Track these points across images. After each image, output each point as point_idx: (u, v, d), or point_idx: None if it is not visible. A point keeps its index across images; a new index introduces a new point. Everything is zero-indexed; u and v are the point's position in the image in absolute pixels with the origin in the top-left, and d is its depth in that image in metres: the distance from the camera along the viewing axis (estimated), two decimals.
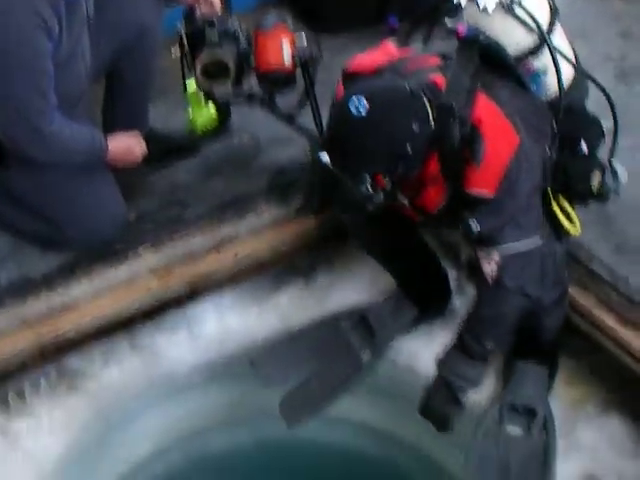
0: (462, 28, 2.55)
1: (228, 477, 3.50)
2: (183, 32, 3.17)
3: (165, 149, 3.33)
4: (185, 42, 3.18)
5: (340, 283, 3.21)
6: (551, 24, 2.66)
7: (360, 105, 2.36)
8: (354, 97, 2.38)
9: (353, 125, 2.40)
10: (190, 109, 3.27)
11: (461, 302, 3.13)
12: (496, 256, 2.62)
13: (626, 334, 2.81)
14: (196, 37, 3.19)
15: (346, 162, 2.46)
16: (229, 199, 3.17)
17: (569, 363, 2.95)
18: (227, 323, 3.09)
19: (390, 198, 2.53)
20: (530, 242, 2.61)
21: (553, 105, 2.68)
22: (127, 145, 3.04)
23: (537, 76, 2.69)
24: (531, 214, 2.63)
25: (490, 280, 2.66)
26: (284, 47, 3.12)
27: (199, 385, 3.15)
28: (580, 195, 2.76)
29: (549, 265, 2.70)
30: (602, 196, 2.80)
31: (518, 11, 2.59)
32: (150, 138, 3.15)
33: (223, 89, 3.11)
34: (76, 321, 2.81)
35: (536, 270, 2.65)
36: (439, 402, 2.81)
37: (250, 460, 3.46)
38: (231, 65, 3.10)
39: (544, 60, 2.65)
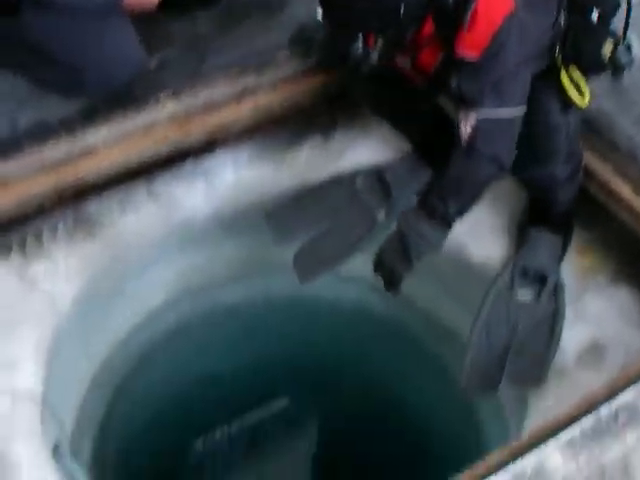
0: None
1: (237, 330, 3.57)
2: None
3: None
4: None
5: (358, 141, 3.17)
6: None
7: None
8: None
9: None
10: None
11: None
12: (473, 118, 2.60)
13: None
14: None
15: (338, 20, 2.51)
16: (250, 51, 3.09)
17: (582, 233, 2.97)
18: (244, 176, 3.07)
19: (385, 58, 2.56)
20: (510, 111, 2.58)
21: None
22: None
23: None
24: (516, 84, 2.60)
25: (464, 142, 2.64)
26: None
27: (213, 236, 3.17)
28: (591, 65, 2.72)
29: (561, 140, 2.72)
30: (615, 67, 2.73)
31: None
32: None
33: None
34: (94, 166, 2.79)
35: (510, 140, 2.62)
36: (391, 257, 2.77)
37: (259, 314, 3.52)
38: None
39: None
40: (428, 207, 2.69)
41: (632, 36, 2.75)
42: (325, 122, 3.20)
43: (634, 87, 2.99)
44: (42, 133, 2.82)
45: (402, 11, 2.41)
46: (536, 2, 2.59)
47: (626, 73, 2.76)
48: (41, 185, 2.78)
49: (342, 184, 3.07)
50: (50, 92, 2.94)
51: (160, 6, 2.97)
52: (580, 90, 2.71)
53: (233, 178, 3.08)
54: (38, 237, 2.85)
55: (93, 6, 2.83)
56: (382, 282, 2.83)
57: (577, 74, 2.70)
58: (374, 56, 2.50)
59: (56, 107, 2.90)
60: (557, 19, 2.63)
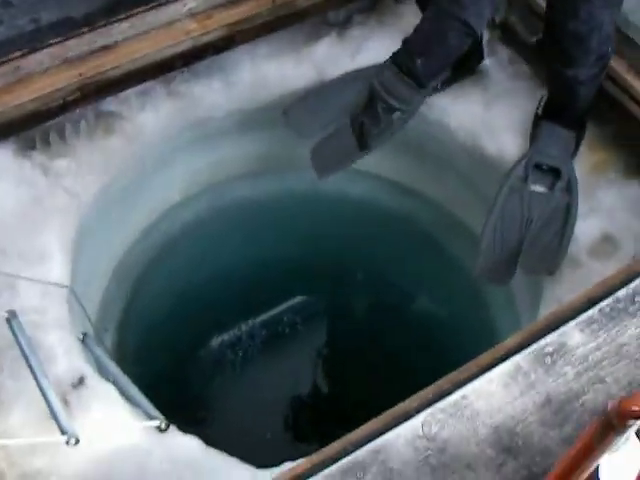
0: None
1: (253, 225, 3.63)
2: None
3: None
4: None
5: (374, 37, 3.18)
6: None
7: None
8: None
9: None
10: None
11: (492, 62, 3.15)
12: None
13: None
14: None
15: None
16: None
17: (594, 129, 2.99)
18: (262, 72, 3.10)
19: None
20: None
21: None
22: None
23: None
24: None
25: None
26: None
27: (231, 132, 3.21)
28: None
29: (595, 40, 2.66)
30: None
31: None
32: None
33: None
34: (116, 61, 2.80)
35: (482, 5, 2.55)
36: (361, 112, 2.83)
37: (275, 209, 3.57)
38: None
39: None
40: (397, 62, 2.70)
41: None
42: (341, 18, 3.21)
43: None
44: (64, 28, 2.85)
45: None
46: None
47: None
48: (63, 80, 2.79)
49: (359, 80, 3.03)
50: None
51: None
52: None
53: (250, 74, 3.10)
54: (61, 132, 2.90)
55: None
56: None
57: None
58: None
59: (78, 2, 2.92)
60: None
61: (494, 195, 2.89)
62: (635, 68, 2.92)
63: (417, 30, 2.65)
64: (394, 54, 2.73)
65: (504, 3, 3.14)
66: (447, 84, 3.07)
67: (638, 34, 2.94)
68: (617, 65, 2.92)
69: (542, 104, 2.97)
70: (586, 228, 2.84)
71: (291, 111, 3.07)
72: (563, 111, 2.92)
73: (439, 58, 2.66)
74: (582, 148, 2.97)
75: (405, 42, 2.72)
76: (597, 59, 2.73)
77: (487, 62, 3.16)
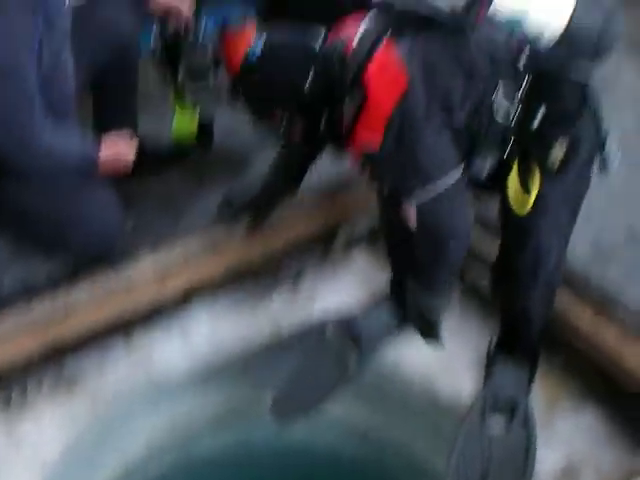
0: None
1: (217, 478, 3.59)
2: (157, 44, 3.44)
3: (156, 155, 3.48)
4: (161, 51, 3.46)
5: (327, 287, 3.33)
6: None
7: (257, 46, 2.55)
8: (259, 40, 2.56)
9: (247, 63, 2.58)
10: (174, 115, 3.58)
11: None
12: (411, 208, 2.55)
13: (599, 329, 2.97)
14: (170, 47, 3.44)
15: (247, 102, 2.65)
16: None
17: (545, 360, 3.04)
18: (219, 327, 3.19)
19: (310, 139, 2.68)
20: (443, 182, 2.50)
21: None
22: (117, 149, 3.10)
23: (514, 21, 2.58)
24: (439, 157, 2.52)
25: (416, 231, 2.59)
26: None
27: (191, 388, 3.25)
28: (540, 163, 2.58)
29: (541, 271, 2.74)
30: (566, 174, 2.61)
31: None
32: (139, 147, 3.22)
33: (206, 90, 3.41)
34: (76, 324, 2.91)
35: (459, 207, 2.57)
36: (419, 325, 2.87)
37: (239, 461, 3.55)
38: (208, 63, 3.39)
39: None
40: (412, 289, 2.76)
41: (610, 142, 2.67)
42: (294, 271, 3.36)
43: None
44: (26, 292, 2.97)
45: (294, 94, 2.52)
46: (440, 66, 2.51)
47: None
48: (25, 344, 2.88)
49: (313, 332, 3.17)
50: (33, 252, 3.09)
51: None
52: (528, 186, 2.59)
53: (208, 329, 3.19)
54: (22, 393, 2.94)
55: (69, 170, 3.01)
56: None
57: (535, 169, 2.59)
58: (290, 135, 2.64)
59: (39, 267, 3.07)
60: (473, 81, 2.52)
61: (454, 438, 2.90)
62: (579, 300, 3.06)
63: (415, 264, 2.69)
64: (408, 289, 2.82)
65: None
66: (401, 328, 3.16)
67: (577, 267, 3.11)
68: (560, 296, 3.04)
69: (493, 341, 3.04)
70: (546, 461, 2.84)
71: (250, 365, 3.15)
72: (515, 343, 2.98)
73: (449, 272, 2.72)
74: (536, 379, 3.01)
75: (412, 276, 2.77)
76: (546, 289, 2.83)
77: None
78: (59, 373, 3.00)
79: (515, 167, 2.59)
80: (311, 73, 2.50)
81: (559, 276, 2.88)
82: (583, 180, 2.70)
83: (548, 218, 2.67)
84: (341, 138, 2.60)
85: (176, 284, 3.09)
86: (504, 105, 2.53)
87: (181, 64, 3.40)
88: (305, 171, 3.08)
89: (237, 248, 3.19)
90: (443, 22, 2.52)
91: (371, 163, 2.60)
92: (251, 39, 3.24)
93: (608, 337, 2.94)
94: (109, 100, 3.42)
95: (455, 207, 2.55)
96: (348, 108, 2.50)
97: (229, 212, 3.20)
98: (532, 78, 2.55)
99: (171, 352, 3.15)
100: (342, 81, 2.49)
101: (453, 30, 2.52)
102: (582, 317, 3.01)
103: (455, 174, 2.51)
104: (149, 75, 3.54)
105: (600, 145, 2.64)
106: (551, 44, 2.58)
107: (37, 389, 2.96)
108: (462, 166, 2.55)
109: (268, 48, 2.55)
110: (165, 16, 3.38)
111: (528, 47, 2.54)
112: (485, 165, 2.61)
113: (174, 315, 3.14)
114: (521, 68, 2.55)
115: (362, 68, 2.46)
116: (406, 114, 2.42)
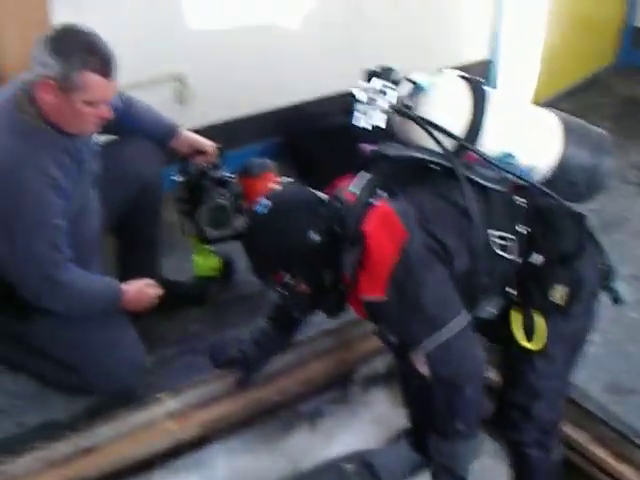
0: (365, 147, 2.60)
1: None
2: (179, 182, 3.57)
3: (175, 296, 3.52)
4: (183, 193, 3.57)
5: (346, 427, 3.34)
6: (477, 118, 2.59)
7: (265, 205, 2.57)
8: (264, 199, 2.59)
9: (254, 223, 2.62)
10: (195, 254, 3.66)
11: None
12: (420, 357, 2.50)
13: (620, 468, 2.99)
14: (193, 187, 3.55)
15: (250, 259, 2.65)
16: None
17: None
18: (237, 466, 3.19)
19: (312, 304, 2.68)
20: (450, 328, 2.43)
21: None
22: (140, 289, 3.18)
23: (504, 159, 2.62)
24: (443, 304, 2.47)
25: (429, 378, 2.52)
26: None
27: None
28: (542, 308, 2.58)
29: (535, 409, 2.70)
30: (568, 314, 2.60)
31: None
32: (161, 286, 3.30)
33: (226, 232, 3.52)
34: (98, 463, 2.92)
35: (470, 349, 2.50)
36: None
37: None
38: (229, 208, 3.50)
39: None
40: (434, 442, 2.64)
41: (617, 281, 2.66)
42: (312, 410, 3.39)
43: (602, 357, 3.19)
44: (48, 432, 3.00)
45: (302, 253, 2.52)
46: (436, 214, 2.51)
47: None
48: None
49: (331, 471, 3.17)
50: (56, 391, 3.14)
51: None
52: (532, 329, 2.59)
53: (226, 469, 3.19)
54: None
55: (94, 311, 3.09)
56: None
57: (536, 313, 2.58)
58: (298, 300, 2.63)
59: (61, 406, 3.11)
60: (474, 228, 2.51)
61: None
62: (598, 438, 3.08)
63: (434, 412, 2.59)
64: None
65: None
66: (419, 469, 3.15)
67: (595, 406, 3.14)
68: (579, 437, 3.08)
69: None
70: None
71: None
72: None
73: (472, 414, 2.59)
74: None
75: (433, 428, 2.65)
76: (539, 433, 2.77)
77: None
78: None
79: (516, 315, 2.60)
80: (316, 225, 2.54)
81: (555, 415, 2.82)
82: (585, 316, 2.69)
83: (543, 356, 2.65)
84: (343, 294, 2.63)
85: (194, 424, 3.11)
86: (503, 240, 2.54)
87: (203, 205, 3.52)
88: (298, 325, 3.08)
89: (255, 388, 3.22)
90: (435, 165, 2.55)
91: (375, 317, 2.62)
92: (270, 185, 3.39)
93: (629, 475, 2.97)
94: (133, 240, 3.53)
95: (466, 351, 2.50)
96: (348, 261, 2.52)
97: (217, 363, 3.19)
98: (529, 212, 2.58)
99: None
100: (344, 231, 2.53)
101: (445, 173, 2.54)
102: (603, 454, 3.03)
103: (461, 320, 2.46)
104: (171, 212, 3.65)
105: (606, 280, 2.65)
106: (544, 179, 2.65)
107: None
108: (467, 310, 2.53)
109: (277, 202, 2.60)
110: (189, 155, 3.52)
111: (522, 181, 2.60)
112: (491, 305, 2.62)
113: (193, 456, 3.14)
114: (517, 202, 2.60)
115: (362, 219, 2.49)
116: (407, 265, 2.42)
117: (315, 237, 2.53)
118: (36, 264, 2.91)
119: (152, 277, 3.30)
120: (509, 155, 2.62)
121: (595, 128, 2.77)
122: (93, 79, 2.76)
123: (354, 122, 2.56)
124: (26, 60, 2.85)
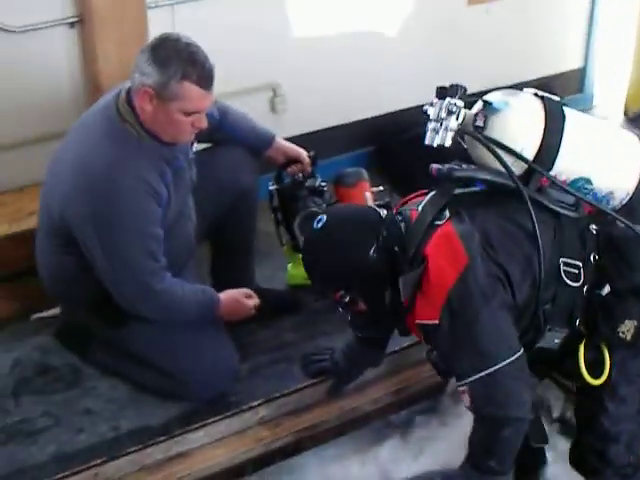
0: (434, 168, 2.55)
1: None
2: (275, 191, 3.59)
3: (271, 305, 3.53)
4: (278, 202, 3.59)
5: (437, 438, 3.28)
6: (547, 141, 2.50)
7: (320, 220, 2.52)
8: (320, 215, 2.56)
9: (309, 238, 2.61)
10: (289, 263, 3.67)
11: (551, 456, 3.12)
12: (464, 388, 2.42)
13: None
14: (288, 196, 3.54)
15: (309, 277, 2.62)
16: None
17: None
18: (328, 474, 3.18)
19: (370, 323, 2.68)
20: (503, 363, 2.36)
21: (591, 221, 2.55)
22: (237, 299, 3.21)
23: (573, 185, 2.55)
24: (497, 339, 2.38)
25: (470, 410, 2.49)
26: (367, 199, 3.43)
27: None
28: (609, 342, 2.50)
29: (611, 453, 2.61)
30: (637, 350, 2.52)
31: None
32: (256, 295, 3.32)
33: None
34: (190, 469, 2.94)
35: (514, 385, 2.40)
36: None
37: None
38: None
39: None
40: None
41: None
42: (404, 420, 3.35)
43: None
44: (142, 436, 3.05)
45: (360, 270, 2.47)
46: (507, 238, 2.46)
47: None
48: None
49: None
50: (150, 397, 3.19)
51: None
52: (599, 365, 2.51)
53: (317, 477, 3.19)
54: None
55: (190, 319, 3.12)
56: None
57: (604, 347, 2.51)
58: (358, 320, 2.65)
59: (156, 411, 3.17)
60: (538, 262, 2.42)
61: None
62: None
63: (470, 445, 2.58)
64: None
65: (562, 399, 3.27)
66: None
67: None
68: None
69: None
70: None
71: None
72: None
73: (508, 455, 2.51)
74: None
75: (468, 459, 2.61)
76: (616, 471, 2.67)
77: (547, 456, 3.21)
78: None
79: (582, 348, 2.50)
80: (375, 243, 2.48)
81: (632, 457, 2.69)
82: None
83: (613, 398, 2.58)
84: (401, 315, 2.55)
85: (287, 432, 3.10)
86: (573, 268, 2.46)
87: (298, 214, 3.53)
88: (386, 342, 3.05)
89: (347, 397, 3.20)
90: (502, 187, 2.48)
91: (429, 340, 2.53)
92: (363, 194, 3.39)
93: None
94: (228, 247, 3.55)
95: (512, 392, 2.40)
96: (408, 281, 2.44)
97: (308, 373, 3.20)
98: (601, 240, 2.51)
99: None
100: (404, 252, 2.47)
101: (514, 196, 2.46)
102: None
103: (513, 357, 2.37)
104: (265, 222, 3.67)
105: None
106: (619, 206, 2.58)
107: None
108: (530, 341, 2.47)
109: (332, 217, 2.56)
110: (284, 164, 3.53)
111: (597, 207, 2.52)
112: (555, 337, 2.51)
113: (285, 463, 3.14)
114: (591, 230, 2.53)
115: (424, 240, 2.45)
116: (464, 291, 2.35)
117: (373, 255, 2.48)
118: (133, 272, 2.96)
119: (247, 285, 3.33)
120: (586, 180, 2.55)
121: None
122: (191, 89, 2.79)
123: (426, 141, 2.52)
124: (124, 75, 2.92)
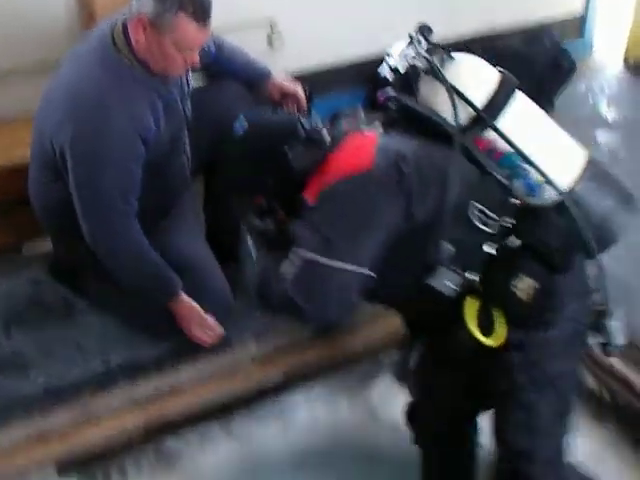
0: (381, 94, 2.51)
1: None
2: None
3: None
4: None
5: None
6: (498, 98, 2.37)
7: (241, 124, 2.46)
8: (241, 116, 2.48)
9: (231, 142, 2.49)
10: None
11: None
12: (297, 260, 2.21)
13: None
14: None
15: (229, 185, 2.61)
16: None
17: None
18: (318, 414, 3.22)
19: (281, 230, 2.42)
20: (343, 265, 2.18)
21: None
22: (200, 314, 3.10)
23: (507, 158, 2.37)
24: (354, 247, 2.20)
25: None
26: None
27: (287, 471, 3.26)
28: (501, 300, 2.28)
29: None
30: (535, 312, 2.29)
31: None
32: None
33: None
34: (181, 404, 2.97)
35: (336, 293, 2.22)
36: None
37: None
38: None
39: None
40: None
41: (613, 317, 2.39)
42: (394, 362, 3.34)
43: None
44: (133, 371, 3.05)
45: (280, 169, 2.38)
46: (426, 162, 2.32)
47: None
48: (129, 421, 2.94)
49: None
50: (142, 332, 3.18)
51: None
52: (492, 325, 2.28)
53: (307, 416, 3.22)
54: (122, 470, 2.99)
55: (142, 285, 3.07)
56: None
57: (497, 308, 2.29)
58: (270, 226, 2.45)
59: (147, 347, 3.16)
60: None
61: None
62: None
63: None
64: None
65: None
66: None
67: None
68: None
69: None
70: None
71: None
72: None
73: None
74: None
75: None
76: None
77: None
78: (159, 452, 3.05)
79: (471, 300, 2.31)
80: (296, 142, 2.40)
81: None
82: (566, 358, 2.41)
83: (519, 405, 2.39)
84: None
85: (276, 369, 3.12)
86: (485, 216, 2.28)
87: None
88: None
89: (338, 338, 3.22)
90: (441, 128, 2.35)
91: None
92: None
93: None
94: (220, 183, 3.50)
95: (329, 295, 2.23)
96: (309, 156, 2.39)
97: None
98: (521, 210, 2.32)
99: (269, 437, 3.17)
100: (319, 142, 2.41)
101: (446, 140, 2.33)
102: None
103: (353, 267, 2.20)
104: None
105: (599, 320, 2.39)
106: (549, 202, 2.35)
107: (137, 466, 3.01)
108: (419, 274, 2.27)
109: (253, 122, 2.49)
110: (279, 101, 3.47)
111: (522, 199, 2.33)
112: (448, 277, 2.28)
113: (274, 400, 3.17)
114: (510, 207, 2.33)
115: (344, 136, 2.40)
116: (345, 192, 2.26)
117: (289, 152, 2.38)
118: (99, 206, 2.90)
119: (237, 224, 3.29)
120: (525, 159, 2.34)
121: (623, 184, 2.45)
122: (186, 22, 2.73)
123: (379, 70, 2.49)
124: (118, 3, 2.87)
